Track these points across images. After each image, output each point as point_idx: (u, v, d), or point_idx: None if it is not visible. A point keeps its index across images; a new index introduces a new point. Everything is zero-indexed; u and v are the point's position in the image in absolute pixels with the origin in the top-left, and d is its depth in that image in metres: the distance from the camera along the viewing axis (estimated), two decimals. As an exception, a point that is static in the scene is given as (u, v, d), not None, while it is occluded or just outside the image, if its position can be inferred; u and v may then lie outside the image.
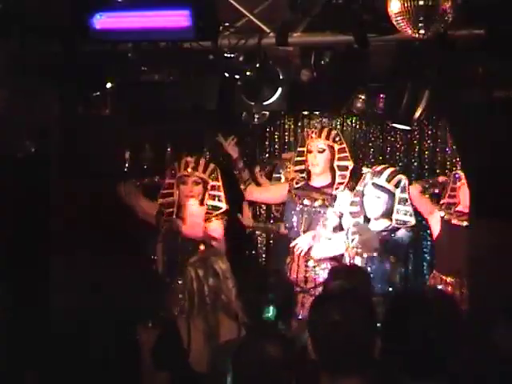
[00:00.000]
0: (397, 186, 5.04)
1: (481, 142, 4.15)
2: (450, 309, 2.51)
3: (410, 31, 3.67)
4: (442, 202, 5.63)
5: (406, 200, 5.05)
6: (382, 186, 5.03)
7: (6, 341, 4.64)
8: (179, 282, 4.66)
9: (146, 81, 4.95)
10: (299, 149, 5.64)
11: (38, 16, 4.33)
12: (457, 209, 5.54)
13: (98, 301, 4.89)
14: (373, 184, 5.05)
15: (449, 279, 5.51)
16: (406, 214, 5.04)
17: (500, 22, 3.86)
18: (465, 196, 5.48)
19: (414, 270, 6.28)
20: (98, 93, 5.02)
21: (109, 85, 4.96)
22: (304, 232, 5.41)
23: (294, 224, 5.49)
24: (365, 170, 5.28)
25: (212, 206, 5.18)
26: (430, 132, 6.40)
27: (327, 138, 5.50)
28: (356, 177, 5.41)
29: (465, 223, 5.43)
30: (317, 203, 5.45)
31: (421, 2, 3.55)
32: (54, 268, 5.09)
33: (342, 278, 3.79)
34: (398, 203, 5.04)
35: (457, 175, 5.71)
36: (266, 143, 6.78)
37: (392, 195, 5.03)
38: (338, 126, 6.57)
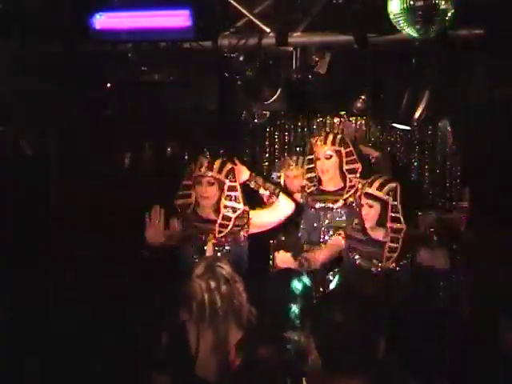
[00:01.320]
0: (388, 194, 5.03)
1: (481, 142, 4.15)
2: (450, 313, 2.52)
3: (410, 31, 3.67)
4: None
5: (397, 207, 5.03)
6: (373, 195, 5.02)
7: (5, 341, 4.64)
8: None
9: (146, 81, 4.95)
10: (308, 157, 5.64)
11: (38, 16, 4.33)
12: None
13: (98, 301, 4.89)
14: (364, 194, 5.04)
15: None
16: (397, 221, 5.05)
17: (500, 21, 3.87)
18: None
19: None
20: (98, 93, 5.02)
21: (109, 85, 4.96)
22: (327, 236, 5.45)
23: (315, 228, 5.49)
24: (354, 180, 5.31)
25: (231, 206, 5.15)
26: (429, 132, 6.40)
27: (333, 143, 5.51)
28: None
29: None
30: (337, 204, 5.47)
31: (420, 2, 3.54)
32: (54, 268, 5.10)
33: (345, 279, 3.78)
34: (391, 211, 5.03)
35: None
36: (266, 143, 6.78)
37: (384, 203, 5.03)
38: (340, 126, 6.57)
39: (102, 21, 4.11)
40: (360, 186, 5.10)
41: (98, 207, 5.34)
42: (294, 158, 5.87)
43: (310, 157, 5.61)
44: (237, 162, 5.14)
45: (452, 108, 4.49)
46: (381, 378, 2.45)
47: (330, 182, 5.52)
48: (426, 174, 6.40)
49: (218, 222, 5.01)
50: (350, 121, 6.58)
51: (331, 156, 5.46)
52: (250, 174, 5.15)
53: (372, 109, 5.17)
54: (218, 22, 4.23)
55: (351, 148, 5.53)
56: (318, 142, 5.51)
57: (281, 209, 5.09)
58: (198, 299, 3.51)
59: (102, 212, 5.34)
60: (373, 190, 5.02)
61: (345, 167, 5.48)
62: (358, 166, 5.49)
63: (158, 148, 6.19)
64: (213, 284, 3.50)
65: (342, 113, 6.44)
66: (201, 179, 5.11)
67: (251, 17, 4.35)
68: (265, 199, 5.15)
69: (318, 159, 5.49)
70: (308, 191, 5.56)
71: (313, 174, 5.58)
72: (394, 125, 5.27)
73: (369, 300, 2.64)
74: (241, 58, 4.64)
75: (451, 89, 4.32)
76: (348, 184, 5.46)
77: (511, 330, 3.37)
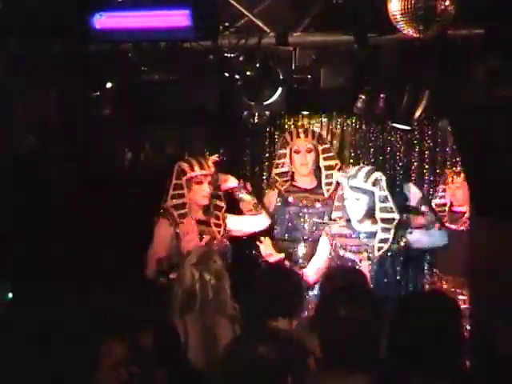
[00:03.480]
0: (374, 184, 5.00)
1: (481, 141, 4.15)
2: (452, 309, 2.53)
3: (410, 31, 3.67)
4: (432, 203, 5.65)
5: (386, 197, 5.01)
6: (359, 188, 4.99)
7: (6, 341, 4.63)
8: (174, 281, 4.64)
9: (146, 81, 4.95)
10: (281, 151, 5.66)
11: (37, 16, 4.33)
12: (453, 209, 5.54)
13: (97, 300, 4.88)
14: (350, 187, 5.00)
15: (449, 278, 5.52)
16: (388, 211, 5.01)
17: (500, 21, 3.86)
18: (458, 196, 5.49)
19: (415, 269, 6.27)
20: (98, 93, 5.02)
21: (109, 85, 4.96)
22: (311, 234, 5.44)
23: (295, 226, 5.50)
24: (335, 174, 5.31)
25: (218, 205, 5.21)
26: (429, 132, 6.39)
27: (313, 137, 5.55)
28: None
29: (461, 227, 5.43)
30: (318, 204, 5.48)
31: (420, 2, 3.55)
32: (54, 268, 5.09)
33: (338, 278, 3.78)
34: (379, 202, 5.00)
35: (444, 177, 5.73)
36: (266, 143, 6.77)
37: (371, 194, 4.99)
38: (338, 126, 6.56)
39: (102, 21, 4.11)
40: (344, 179, 5.08)
41: (98, 207, 5.33)
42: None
43: (283, 151, 5.63)
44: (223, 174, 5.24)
45: (452, 108, 4.48)
46: (385, 377, 2.45)
47: (304, 179, 5.55)
48: (426, 174, 6.40)
49: (213, 222, 5.07)
50: (350, 120, 6.57)
51: (311, 150, 5.49)
52: (239, 181, 5.24)
53: (372, 109, 5.16)
54: (218, 22, 4.23)
55: (328, 145, 5.59)
56: (301, 135, 5.53)
57: (260, 222, 5.26)
58: (188, 287, 3.55)
59: (102, 212, 5.34)
60: (358, 183, 4.99)
61: (322, 163, 5.50)
62: (337, 162, 5.53)
63: (157, 148, 6.18)
64: (207, 276, 3.55)
65: (342, 113, 6.43)
66: (202, 178, 5.14)
67: (251, 17, 4.35)
68: (244, 207, 5.24)
69: (298, 152, 5.51)
70: (283, 188, 5.57)
71: (285, 169, 5.60)
72: (394, 125, 5.27)
73: (371, 298, 2.65)
74: (241, 58, 4.63)
75: (451, 89, 4.31)
76: (324, 181, 5.48)
77: (511, 330, 3.37)
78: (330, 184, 5.48)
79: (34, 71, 4.57)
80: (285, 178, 5.60)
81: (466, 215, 5.33)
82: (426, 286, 5.79)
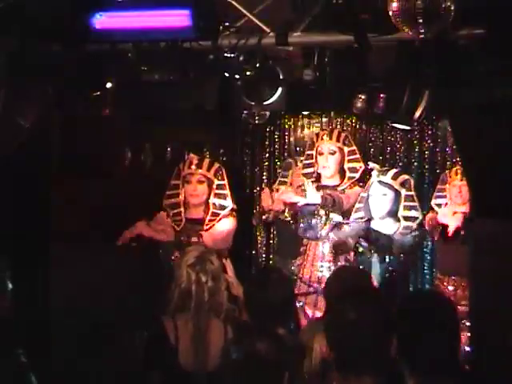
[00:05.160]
0: (402, 184, 5.05)
1: (481, 141, 4.15)
2: (451, 310, 2.53)
3: (410, 31, 3.67)
4: (432, 204, 5.67)
5: (412, 196, 5.07)
6: (387, 184, 5.04)
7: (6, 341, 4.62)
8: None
9: (146, 81, 4.94)
10: (308, 152, 5.65)
11: (38, 16, 4.33)
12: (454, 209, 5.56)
13: (97, 301, 4.88)
14: (379, 182, 5.06)
15: (450, 280, 5.52)
16: (411, 210, 5.06)
17: (500, 22, 3.86)
18: (463, 193, 5.51)
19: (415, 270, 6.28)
20: (98, 93, 5.02)
21: (109, 85, 4.96)
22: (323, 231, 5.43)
23: (313, 224, 5.47)
24: (371, 164, 5.31)
25: (219, 204, 5.21)
26: (429, 132, 6.41)
27: (338, 140, 5.52)
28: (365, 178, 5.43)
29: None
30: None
31: (420, 2, 3.54)
32: (54, 268, 5.09)
33: (345, 279, 3.78)
34: (404, 201, 5.05)
35: (444, 177, 5.76)
36: (266, 143, 6.78)
37: (398, 193, 5.04)
38: (338, 126, 6.57)
39: (102, 21, 4.11)
40: (375, 173, 5.10)
41: (97, 207, 5.34)
42: (301, 157, 5.89)
43: (310, 152, 5.62)
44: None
45: (452, 108, 4.48)
46: (394, 378, 2.46)
47: (329, 180, 5.54)
48: (426, 174, 6.41)
49: (208, 218, 5.09)
50: (350, 120, 6.58)
51: (335, 152, 5.47)
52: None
53: (372, 109, 5.17)
54: (218, 22, 4.23)
55: (354, 147, 5.55)
56: (325, 137, 5.52)
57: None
58: (184, 288, 3.54)
59: (102, 212, 5.34)
60: (388, 179, 5.04)
61: (346, 165, 5.49)
62: (361, 165, 5.51)
63: (157, 148, 6.19)
64: (203, 278, 3.54)
65: (343, 112, 6.44)
66: (190, 177, 5.18)
67: (251, 17, 4.35)
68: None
69: (321, 154, 5.50)
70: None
71: (311, 170, 5.59)
72: (394, 125, 5.27)
73: (382, 298, 2.65)
74: (241, 58, 4.63)
75: (451, 89, 4.31)
76: (345, 181, 5.48)
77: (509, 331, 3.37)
78: (350, 185, 5.46)
79: (34, 71, 4.57)
80: (312, 179, 5.58)
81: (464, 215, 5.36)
82: (426, 287, 5.82)
